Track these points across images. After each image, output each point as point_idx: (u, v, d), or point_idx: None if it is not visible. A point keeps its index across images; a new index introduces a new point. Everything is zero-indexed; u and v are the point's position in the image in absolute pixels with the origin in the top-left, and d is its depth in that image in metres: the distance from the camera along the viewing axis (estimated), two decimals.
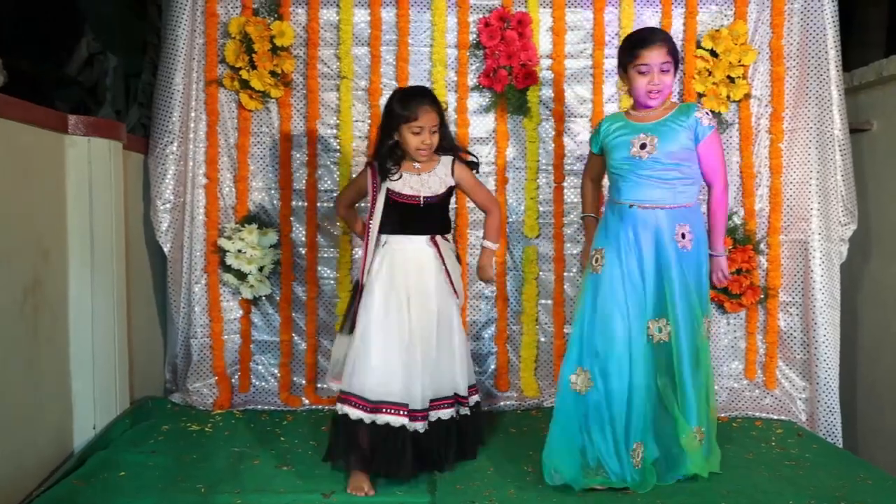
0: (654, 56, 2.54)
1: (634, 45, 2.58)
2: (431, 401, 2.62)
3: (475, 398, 2.85)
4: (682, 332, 2.56)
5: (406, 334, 2.59)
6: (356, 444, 2.53)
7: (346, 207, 2.90)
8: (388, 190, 2.66)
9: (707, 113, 2.64)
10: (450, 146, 2.73)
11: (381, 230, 2.68)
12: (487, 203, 2.84)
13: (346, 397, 2.56)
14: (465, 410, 2.77)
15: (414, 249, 2.67)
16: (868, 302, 3.77)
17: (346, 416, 2.54)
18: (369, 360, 2.55)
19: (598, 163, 2.83)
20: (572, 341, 2.63)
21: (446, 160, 2.72)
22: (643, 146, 2.58)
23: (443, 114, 2.68)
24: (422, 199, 2.66)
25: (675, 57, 2.59)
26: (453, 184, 2.73)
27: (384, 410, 2.52)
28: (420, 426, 2.57)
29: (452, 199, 2.88)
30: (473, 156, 2.80)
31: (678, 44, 3.51)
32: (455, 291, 2.75)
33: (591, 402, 2.55)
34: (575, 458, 2.54)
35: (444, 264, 2.70)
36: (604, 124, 2.75)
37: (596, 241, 2.69)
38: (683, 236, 2.59)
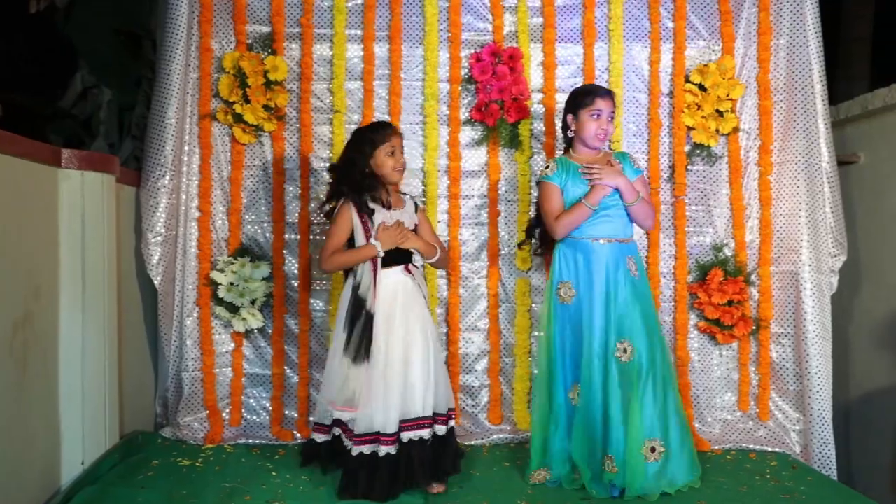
0: (606, 105, 2.93)
1: (590, 93, 2.97)
2: (407, 421, 2.73)
3: (452, 423, 2.92)
4: (644, 350, 2.82)
5: (382, 361, 2.74)
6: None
7: (339, 254, 2.85)
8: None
9: (636, 161, 3.08)
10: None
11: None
12: (440, 245, 3.02)
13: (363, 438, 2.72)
14: (441, 429, 2.81)
15: (396, 281, 2.82)
16: (859, 333, 3.78)
17: (374, 454, 2.72)
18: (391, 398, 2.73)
19: (561, 196, 2.98)
20: (554, 367, 2.93)
21: (410, 202, 2.98)
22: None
23: None
24: None
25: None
26: (417, 222, 2.95)
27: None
28: (393, 449, 2.70)
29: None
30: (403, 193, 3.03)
31: (667, 77, 3.60)
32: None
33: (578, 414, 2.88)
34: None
35: (422, 289, 2.90)
36: (559, 165, 3.01)
37: (560, 275, 2.97)
38: (633, 266, 2.93)
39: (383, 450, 2.68)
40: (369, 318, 2.74)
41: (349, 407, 2.72)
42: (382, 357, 2.74)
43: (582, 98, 2.96)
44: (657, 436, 2.78)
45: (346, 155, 2.87)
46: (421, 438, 2.72)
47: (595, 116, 2.92)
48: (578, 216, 2.90)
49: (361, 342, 2.73)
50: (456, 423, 3.00)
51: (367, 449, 2.70)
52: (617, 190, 2.91)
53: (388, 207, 2.85)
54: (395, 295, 2.80)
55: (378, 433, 2.69)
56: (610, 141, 3.46)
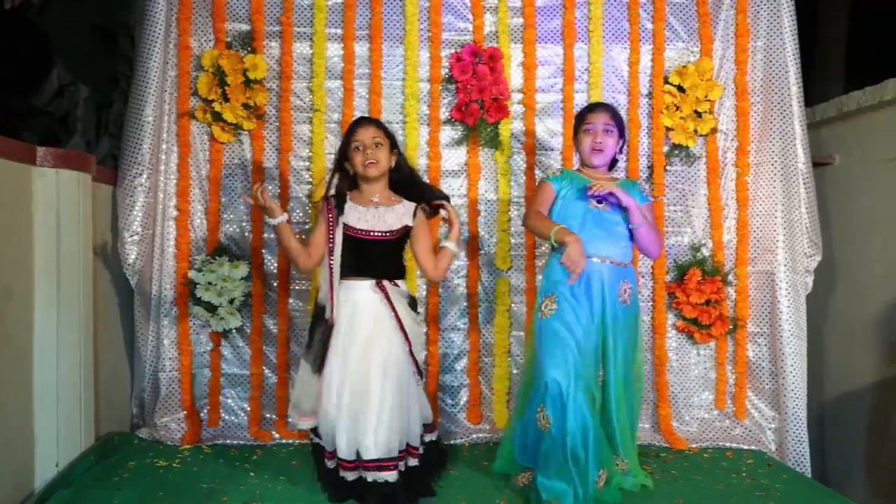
0: (598, 118, 2.86)
1: (583, 112, 2.94)
2: (364, 461, 2.55)
3: (430, 437, 2.83)
4: (615, 379, 2.79)
5: (341, 382, 2.58)
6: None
7: (305, 247, 2.71)
8: (343, 224, 2.65)
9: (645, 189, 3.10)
10: (419, 192, 2.76)
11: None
12: (428, 262, 2.73)
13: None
14: (413, 462, 2.69)
15: (362, 297, 2.62)
16: (834, 332, 3.83)
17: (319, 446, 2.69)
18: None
19: (551, 198, 2.88)
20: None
21: (410, 204, 2.73)
22: (600, 202, 2.83)
23: (394, 140, 2.73)
24: (375, 232, 2.64)
25: (618, 124, 2.89)
26: (411, 224, 2.69)
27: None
28: (350, 475, 2.62)
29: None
30: (444, 195, 2.79)
31: (646, 78, 3.62)
32: (408, 340, 2.64)
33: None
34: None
35: (395, 311, 2.62)
36: (565, 174, 2.94)
37: (545, 290, 2.84)
38: (625, 291, 2.82)
39: (341, 472, 2.63)
40: (327, 330, 2.60)
41: (308, 416, 2.65)
42: (337, 376, 2.58)
43: (578, 118, 2.94)
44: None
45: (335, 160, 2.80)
46: (375, 481, 2.53)
47: (589, 131, 2.86)
48: (538, 229, 2.79)
49: (318, 353, 2.61)
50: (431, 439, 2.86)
51: (331, 464, 2.68)
52: (624, 210, 2.79)
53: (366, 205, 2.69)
54: (353, 315, 2.61)
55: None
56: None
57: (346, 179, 2.77)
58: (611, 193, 2.76)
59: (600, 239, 2.79)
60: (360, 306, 2.62)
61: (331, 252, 2.64)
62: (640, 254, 3.14)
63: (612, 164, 2.98)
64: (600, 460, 2.67)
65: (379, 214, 2.68)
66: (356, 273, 2.64)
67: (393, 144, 2.72)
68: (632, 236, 2.84)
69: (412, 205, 2.74)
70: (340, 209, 2.67)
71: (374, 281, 2.64)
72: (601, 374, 2.80)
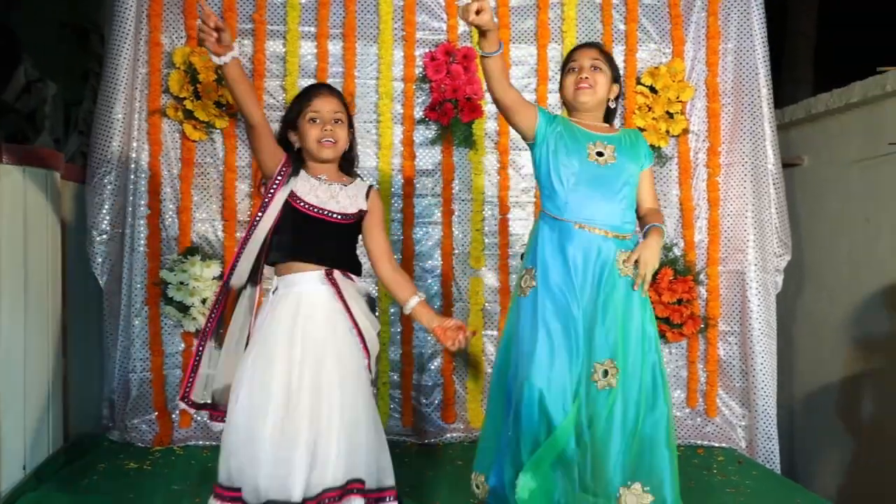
0: (584, 54, 2.39)
1: (568, 54, 2.48)
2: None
3: None
4: (631, 373, 2.29)
5: (282, 404, 2.00)
6: None
7: (249, 87, 2.09)
8: (290, 192, 2.12)
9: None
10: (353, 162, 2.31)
11: (269, 256, 2.16)
12: (382, 252, 2.24)
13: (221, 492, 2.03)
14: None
15: (308, 291, 2.10)
16: (803, 330, 3.89)
17: None
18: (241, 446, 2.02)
19: (529, 111, 2.34)
20: (500, 375, 2.41)
21: (362, 184, 2.27)
22: (600, 154, 2.32)
23: (350, 116, 2.24)
24: (328, 212, 2.14)
25: (610, 64, 2.41)
26: (365, 208, 2.22)
27: None
28: None
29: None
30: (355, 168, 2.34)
31: None
32: (366, 349, 2.15)
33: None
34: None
35: (348, 310, 2.12)
36: (558, 117, 2.40)
37: (527, 259, 2.37)
38: (624, 262, 2.30)
39: None
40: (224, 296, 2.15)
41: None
42: (280, 395, 2.00)
43: (564, 62, 2.46)
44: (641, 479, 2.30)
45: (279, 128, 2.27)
46: None
47: (573, 69, 2.38)
48: (487, 70, 2.21)
49: (214, 318, 2.17)
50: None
51: None
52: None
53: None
54: (296, 314, 2.07)
55: None
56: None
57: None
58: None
59: (592, 201, 2.29)
60: (306, 304, 2.09)
61: (262, 213, 2.12)
62: None
63: (609, 114, 2.47)
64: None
65: (332, 192, 2.17)
66: (299, 258, 2.12)
67: (350, 122, 2.25)
68: (631, 205, 2.38)
69: (365, 184, 2.28)
70: (296, 170, 2.16)
71: (323, 271, 2.12)
72: (614, 370, 2.27)
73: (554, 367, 2.21)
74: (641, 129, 3.59)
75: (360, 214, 2.22)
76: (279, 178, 2.12)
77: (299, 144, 2.21)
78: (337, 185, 2.20)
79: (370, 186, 2.29)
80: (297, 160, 2.20)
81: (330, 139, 2.16)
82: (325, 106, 2.17)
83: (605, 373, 2.25)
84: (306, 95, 2.20)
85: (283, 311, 2.09)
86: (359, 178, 2.30)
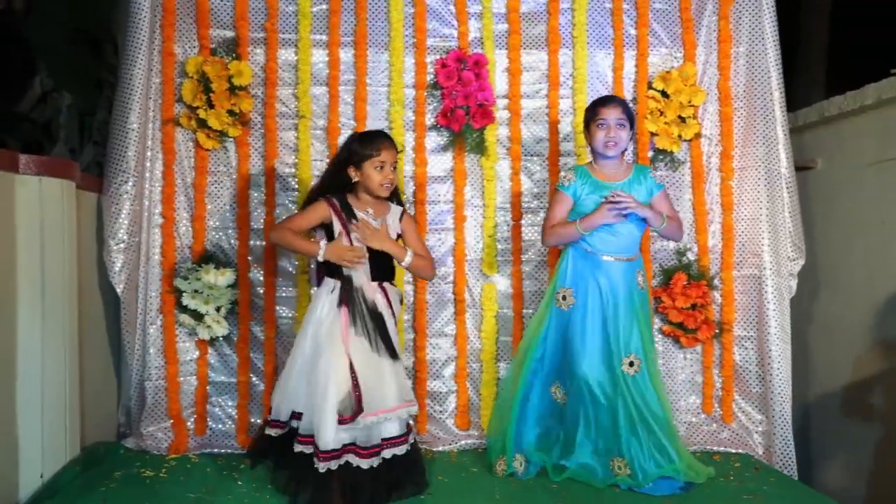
0: (611, 112, 2.98)
1: (595, 105, 3.05)
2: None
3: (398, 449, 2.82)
4: (644, 364, 2.99)
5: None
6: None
7: (293, 234, 2.84)
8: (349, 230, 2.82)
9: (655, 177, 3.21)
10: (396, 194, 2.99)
11: (331, 274, 2.83)
12: (424, 254, 3.00)
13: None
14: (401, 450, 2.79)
15: (372, 291, 2.84)
16: (818, 334, 3.86)
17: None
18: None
19: (569, 207, 3.05)
20: (532, 364, 3.07)
21: (396, 209, 2.95)
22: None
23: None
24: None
25: (629, 117, 3.02)
26: (400, 231, 2.94)
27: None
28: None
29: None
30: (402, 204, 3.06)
31: (630, 84, 3.64)
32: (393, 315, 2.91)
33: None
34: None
35: (393, 312, 2.87)
36: (578, 174, 3.05)
37: (564, 280, 3.05)
38: (640, 278, 3.05)
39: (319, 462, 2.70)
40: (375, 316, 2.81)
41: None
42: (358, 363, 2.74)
43: (590, 111, 3.06)
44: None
45: (337, 158, 2.92)
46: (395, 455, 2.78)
47: (602, 126, 2.99)
48: (567, 235, 3.02)
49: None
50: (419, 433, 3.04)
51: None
52: (643, 220, 2.99)
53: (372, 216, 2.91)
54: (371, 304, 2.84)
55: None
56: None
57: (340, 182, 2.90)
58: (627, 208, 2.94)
59: (613, 240, 3.00)
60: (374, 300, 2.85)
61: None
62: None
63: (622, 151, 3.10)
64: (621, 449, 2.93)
65: (378, 225, 2.87)
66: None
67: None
68: (640, 234, 3.07)
69: (398, 209, 2.96)
70: (349, 213, 2.84)
71: (377, 284, 2.86)
72: (636, 362, 2.97)
73: (597, 360, 2.97)
74: (654, 134, 3.60)
75: (397, 238, 2.92)
76: (342, 224, 2.83)
77: (358, 179, 2.84)
78: (381, 220, 2.87)
79: (403, 211, 2.95)
80: (345, 205, 2.84)
81: (390, 185, 2.84)
82: (389, 158, 2.82)
83: (631, 364, 2.97)
84: (374, 145, 2.81)
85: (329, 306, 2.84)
86: (392, 205, 2.94)
